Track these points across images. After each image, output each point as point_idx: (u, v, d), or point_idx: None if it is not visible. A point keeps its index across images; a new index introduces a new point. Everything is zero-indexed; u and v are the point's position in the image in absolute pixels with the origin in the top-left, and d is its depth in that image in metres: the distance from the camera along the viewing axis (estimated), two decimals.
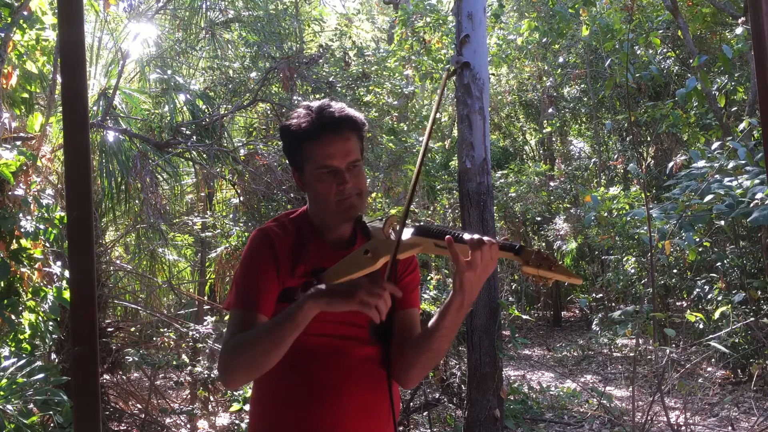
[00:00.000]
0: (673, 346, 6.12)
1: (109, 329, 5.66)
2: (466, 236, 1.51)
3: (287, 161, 1.77)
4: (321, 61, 6.74)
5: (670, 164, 6.18)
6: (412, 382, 1.74)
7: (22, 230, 3.88)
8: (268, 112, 7.04)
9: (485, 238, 1.50)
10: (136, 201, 6.34)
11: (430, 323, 1.63)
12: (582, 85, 11.05)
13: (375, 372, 1.70)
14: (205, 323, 5.68)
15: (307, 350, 1.64)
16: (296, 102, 6.15)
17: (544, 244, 11.99)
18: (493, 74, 10.92)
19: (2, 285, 3.98)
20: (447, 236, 1.51)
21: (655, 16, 8.70)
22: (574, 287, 12.67)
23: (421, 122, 9.38)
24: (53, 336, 4.25)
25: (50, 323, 4.13)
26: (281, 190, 5.99)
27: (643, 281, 8.22)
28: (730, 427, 5.53)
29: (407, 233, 1.62)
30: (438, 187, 10.02)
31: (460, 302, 1.55)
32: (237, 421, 5.00)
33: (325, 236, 1.72)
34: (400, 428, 5.26)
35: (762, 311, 6.94)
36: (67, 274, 3.92)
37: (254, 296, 1.63)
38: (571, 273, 1.43)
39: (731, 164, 4.92)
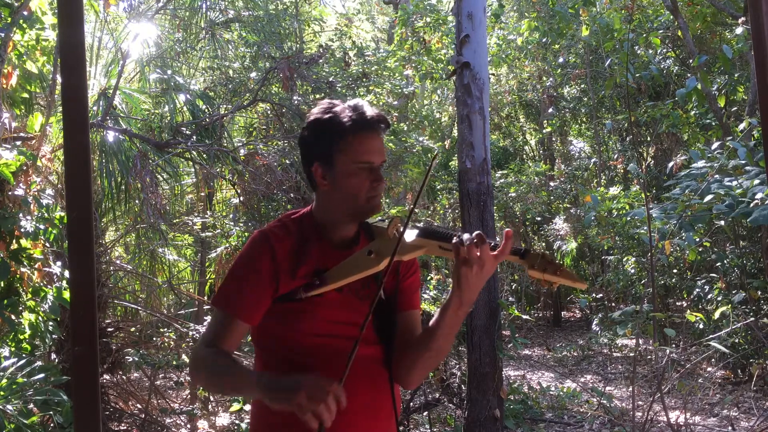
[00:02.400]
0: (673, 346, 6.12)
1: (109, 329, 5.66)
2: (466, 236, 1.50)
3: (309, 154, 1.71)
4: (321, 61, 6.74)
5: (670, 164, 6.19)
6: (413, 383, 1.75)
7: (22, 230, 3.89)
8: (268, 112, 7.04)
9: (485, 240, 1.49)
10: (136, 201, 6.34)
11: (431, 323, 1.63)
12: (582, 85, 11.05)
13: (376, 372, 1.69)
14: (205, 323, 5.68)
15: (308, 350, 1.64)
16: (296, 102, 6.15)
17: (544, 244, 11.99)
18: (493, 74, 10.91)
19: (2, 285, 3.98)
20: (455, 239, 1.50)
21: (655, 16, 8.70)
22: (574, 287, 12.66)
23: (421, 122, 9.38)
24: (53, 336, 4.26)
25: (50, 323, 4.13)
26: (281, 190, 5.98)
27: (643, 281, 8.21)
28: (730, 427, 5.53)
29: (412, 235, 1.61)
30: (438, 187, 10.02)
31: (458, 301, 1.54)
32: (237, 421, 5.00)
33: (328, 236, 1.72)
34: (400, 428, 5.26)
35: (762, 311, 6.94)
36: (67, 274, 3.92)
37: (237, 299, 1.64)
38: (576, 277, 1.42)
39: (731, 164, 4.92)
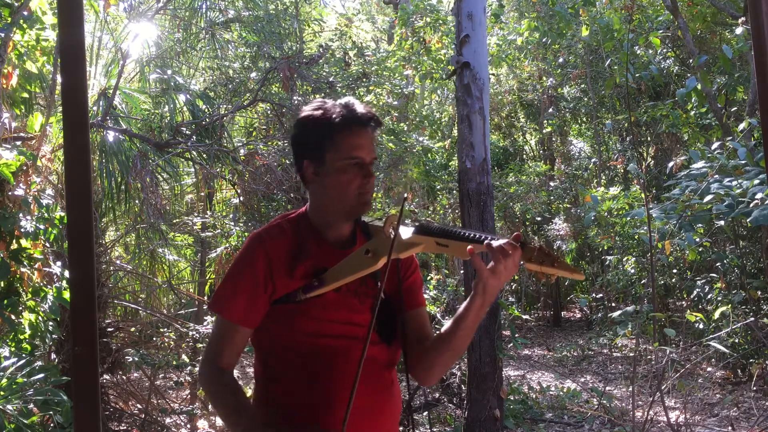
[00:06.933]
0: (673, 346, 6.12)
1: (109, 329, 5.66)
2: (489, 245, 1.47)
3: (300, 152, 1.72)
4: (321, 61, 6.74)
5: (670, 164, 6.18)
6: (433, 381, 1.78)
7: (22, 230, 3.88)
8: (268, 112, 7.04)
9: (505, 242, 1.46)
10: (136, 201, 6.33)
11: (450, 324, 1.63)
12: (582, 85, 11.05)
13: (377, 372, 1.69)
14: (205, 323, 5.68)
15: (308, 351, 1.64)
16: (296, 102, 6.15)
17: (544, 244, 11.96)
18: (493, 74, 10.90)
19: (2, 285, 3.98)
20: (469, 247, 1.48)
21: (655, 16, 8.70)
22: (574, 287, 12.66)
23: (421, 122, 9.38)
24: (53, 336, 4.25)
25: (50, 323, 4.13)
26: (281, 190, 5.99)
27: (643, 281, 8.21)
28: (730, 427, 5.53)
29: (408, 232, 1.61)
30: (438, 187, 10.02)
31: (480, 303, 1.56)
32: None
33: (325, 236, 1.71)
34: (400, 428, 5.26)
35: (762, 311, 6.94)
36: (67, 274, 3.92)
37: (237, 306, 1.65)
38: (574, 269, 1.43)
39: (731, 164, 4.93)
